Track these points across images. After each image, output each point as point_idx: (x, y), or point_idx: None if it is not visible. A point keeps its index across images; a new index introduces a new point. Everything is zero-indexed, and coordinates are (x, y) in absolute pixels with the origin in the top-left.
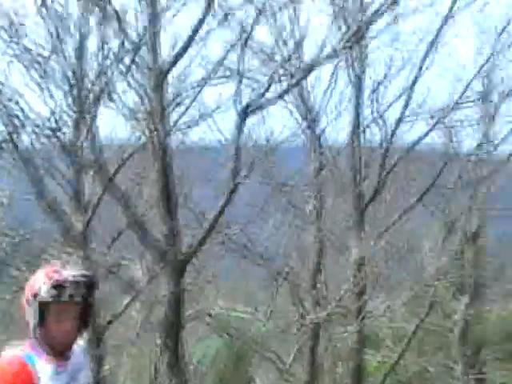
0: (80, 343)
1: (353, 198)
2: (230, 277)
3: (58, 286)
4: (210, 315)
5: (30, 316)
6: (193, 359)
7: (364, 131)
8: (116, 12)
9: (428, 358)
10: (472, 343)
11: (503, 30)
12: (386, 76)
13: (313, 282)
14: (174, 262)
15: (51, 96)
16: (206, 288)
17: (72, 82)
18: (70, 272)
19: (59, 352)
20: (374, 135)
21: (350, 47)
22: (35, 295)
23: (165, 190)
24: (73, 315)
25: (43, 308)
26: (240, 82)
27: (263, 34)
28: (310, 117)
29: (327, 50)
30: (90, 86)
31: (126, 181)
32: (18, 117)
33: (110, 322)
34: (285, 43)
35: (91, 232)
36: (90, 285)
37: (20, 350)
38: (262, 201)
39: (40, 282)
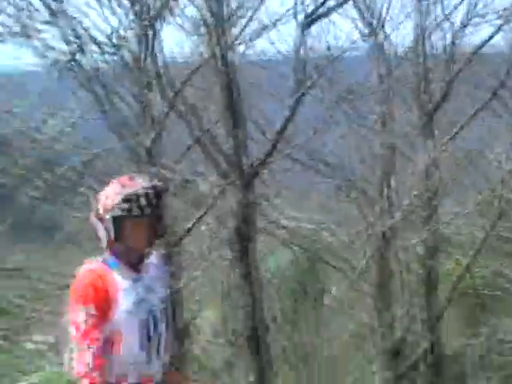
0: (155, 257)
1: (419, 105)
2: (298, 188)
3: (129, 200)
4: (279, 227)
5: (102, 231)
6: (265, 271)
7: (428, 36)
8: None
9: (502, 262)
10: None
11: None
12: None
13: (381, 189)
14: (242, 175)
15: (113, 13)
16: (275, 200)
17: None
18: (140, 184)
19: (134, 264)
20: (438, 40)
21: None
22: (107, 210)
23: (230, 104)
24: (145, 227)
25: (115, 222)
26: None
27: None
28: (373, 24)
29: None
30: (151, 0)
31: (192, 96)
32: (81, 36)
33: (181, 238)
34: None
35: (159, 149)
36: (160, 195)
37: (98, 261)
38: (326, 111)
39: (110, 197)
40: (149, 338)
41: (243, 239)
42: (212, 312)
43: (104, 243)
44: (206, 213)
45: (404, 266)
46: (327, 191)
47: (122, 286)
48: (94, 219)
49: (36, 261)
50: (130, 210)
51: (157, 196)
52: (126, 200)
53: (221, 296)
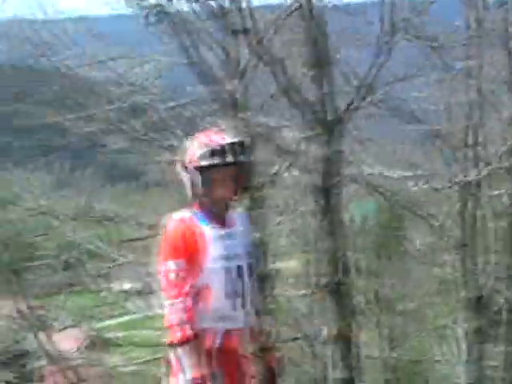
0: (240, 209)
1: (509, 54)
2: (384, 140)
3: (214, 152)
4: (365, 176)
5: (188, 182)
6: (349, 220)
7: None
8: None
9: None
10: None
11: None
12: None
13: (466, 140)
14: (326, 124)
15: None
16: (360, 151)
17: None
18: (225, 137)
19: (220, 217)
20: None
21: None
22: (193, 161)
23: (316, 52)
24: (230, 177)
25: (202, 173)
26: None
27: None
28: None
29: None
30: None
31: (278, 44)
32: None
33: (264, 187)
34: None
35: (244, 97)
36: (244, 147)
37: (188, 211)
38: (414, 60)
39: (196, 149)
40: (235, 291)
41: (328, 188)
42: (295, 262)
43: (190, 194)
44: (289, 162)
45: (490, 216)
46: (413, 142)
47: (210, 239)
48: (180, 170)
49: (121, 207)
50: (215, 161)
51: (241, 148)
52: (212, 152)
53: (305, 244)
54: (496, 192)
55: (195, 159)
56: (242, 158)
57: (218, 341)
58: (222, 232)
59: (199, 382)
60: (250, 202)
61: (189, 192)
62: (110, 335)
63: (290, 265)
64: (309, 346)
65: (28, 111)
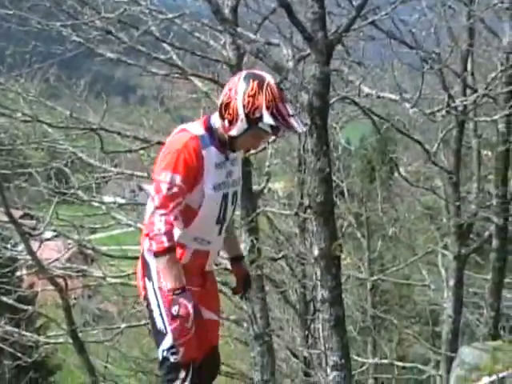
0: None
1: None
2: (377, 64)
3: (279, 128)
4: (356, 97)
5: (239, 125)
6: (341, 139)
7: None
8: None
9: None
10: None
11: None
12: None
13: (462, 66)
14: (321, 43)
15: None
16: (353, 74)
17: None
18: (293, 122)
19: (224, 144)
20: None
21: None
22: (256, 120)
23: None
24: (265, 140)
25: (253, 127)
26: None
27: None
28: None
29: None
30: None
31: None
32: None
33: None
34: None
35: (238, 15)
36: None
37: (198, 130)
38: None
39: (264, 112)
40: (218, 217)
41: (320, 108)
42: (282, 183)
43: (228, 126)
44: (285, 77)
45: (480, 145)
46: (407, 68)
47: (212, 165)
48: (235, 103)
49: (109, 121)
50: (275, 131)
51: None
52: (277, 128)
53: (291, 165)
54: (494, 117)
55: (260, 119)
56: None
57: (187, 257)
58: (222, 163)
59: (178, 292)
60: None
61: (229, 124)
62: (100, 247)
63: (277, 186)
64: (299, 264)
65: (22, 16)
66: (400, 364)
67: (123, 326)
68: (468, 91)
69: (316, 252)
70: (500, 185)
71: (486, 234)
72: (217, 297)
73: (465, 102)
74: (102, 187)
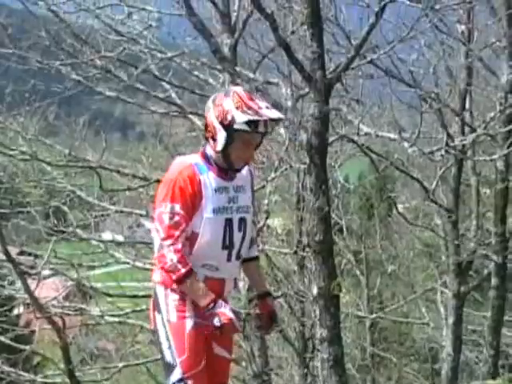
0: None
1: (507, 20)
2: (376, 102)
3: (253, 122)
4: (355, 136)
5: (219, 136)
6: (339, 177)
7: None
8: None
9: None
10: None
11: None
12: None
13: (460, 105)
14: (320, 82)
15: None
16: (351, 113)
17: None
18: (263, 111)
19: (224, 169)
20: None
21: None
22: (230, 124)
23: (313, 10)
24: (256, 144)
25: (229, 132)
26: None
27: None
28: None
29: None
30: None
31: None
32: None
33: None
34: None
35: (238, 53)
36: (276, 122)
37: (193, 159)
38: (411, 21)
39: (232, 112)
40: (223, 243)
41: (318, 147)
42: (281, 220)
43: (214, 145)
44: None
45: (479, 183)
46: (405, 107)
47: (211, 189)
48: (211, 121)
49: (108, 159)
50: (254, 129)
51: (274, 122)
52: (250, 122)
53: (290, 202)
54: (493, 156)
55: (228, 122)
56: (270, 131)
57: None
58: (222, 187)
59: (212, 306)
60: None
61: (214, 143)
62: (97, 285)
63: (276, 223)
64: (298, 302)
65: (22, 55)
66: None
67: (121, 365)
68: (466, 130)
69: (315, 290)
70: (499, 223)
71: (485, 271)
72: (232, 333)
73: (463, 142)
74: (101, 225)
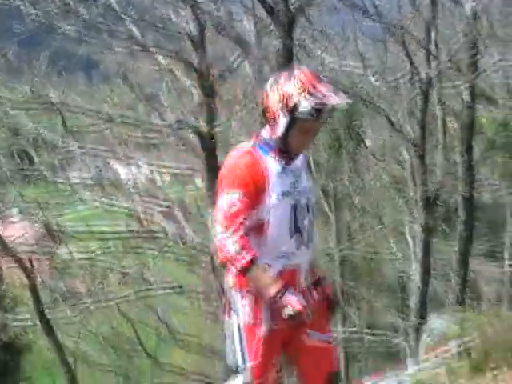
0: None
1: None
2: (339, 33)
3: (322, 109)
4: (323, 66)
5: (280, 121)
6: None
7: None
8: None
9: None
10: None
11: None
12: None
13: (426, 36)
14: (282, 15)
15: None
16: (315, 44)
17: None
18: (333, 97)
19: (283, 152)
20: None
21: None
22: (293, 109)
23: None
24: (316, 131)
25: (292, 120)
26: None
27: None
28: None
29: None
30: None
31: None
32: None
33: (222, 77)
34: None
35: None
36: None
37: (251, 144)
38: None
39: (299, 97)
40: (295, 228)
41: None
42: None
43: (276, 130)
44: (245, 53)
45: (445, 115)
46: (370, 38)
47: (273, 174)
48: (272, 104)
49: (71, 97)
50: (317, 117)
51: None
52: (315, 109)
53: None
54: (458, 83)
55: (296, 107)
56: (331, 116)
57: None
58: (285, 170)
59: (282, 294)
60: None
61: (275, 128)
62: (66, 227)
63: None
64: None
65: None
66: (369, 333)
67: (90, 301)
68: (433, 61)
69: None
70: (465, 154)
71: (453, 203)
72: (326, 314)
73: (429, 72)
74: (67, 167)
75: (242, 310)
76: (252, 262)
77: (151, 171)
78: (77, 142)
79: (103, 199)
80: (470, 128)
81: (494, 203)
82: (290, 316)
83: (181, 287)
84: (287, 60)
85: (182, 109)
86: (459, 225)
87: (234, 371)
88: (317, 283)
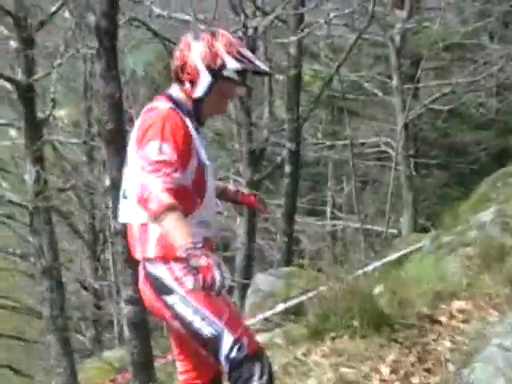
0: None
1: None
2: None
3: (245, 71)
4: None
5: (202, 80)
6: (129, 63)
7: None
8: None
9: (365, 72)
10: (409, 56)
11: None
12: None
13: None
14: None
15: None
16: None
17: None
18: (257, 62)
19: (199, 119)
20: None
21: None
22: (221, 67)
23: None
24: (232, 95)
25: (219, 80)
26: None
27: None
28: None
29: None
30: None
31: None
32: None
33: (42, 23)
34: None
35: None
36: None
37: (167, 104)
38: None
39: (225, 57)
40: (214, 195)
41: (110, 28)
42: (67, 111)
43: (195, 89)
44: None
45: (274, 67)
46: None
47: (195, 137)
48: (194, 61)
49: None
50: (241, 78)
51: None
52: (244, 71)
53: (83, 88)
54: (286, 40)
55: (223, 67)
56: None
57: None
58: (200, 133)
59: (193, 246)
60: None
61: (194, 86)
62: None
63: (62, 113)
64: (88, 194)
65: None
66: None
67: None
68: (258, 13)
69: (107, 182)
70: (292, 109)
71: (279, 159)
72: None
73: (256, 26)
74: None
75: (176, 283)
76: (171, 207)
77: None
78: None
79: None
80: (297, 83)
81: (316, 160)
82: (193, 267)
83: None
84: (111, 7)
85: None
86: (285, 179)
87: (214, 341)
88: (233, 197)
